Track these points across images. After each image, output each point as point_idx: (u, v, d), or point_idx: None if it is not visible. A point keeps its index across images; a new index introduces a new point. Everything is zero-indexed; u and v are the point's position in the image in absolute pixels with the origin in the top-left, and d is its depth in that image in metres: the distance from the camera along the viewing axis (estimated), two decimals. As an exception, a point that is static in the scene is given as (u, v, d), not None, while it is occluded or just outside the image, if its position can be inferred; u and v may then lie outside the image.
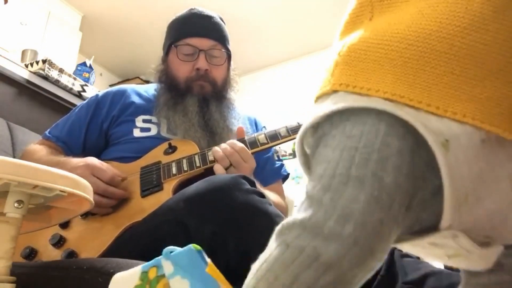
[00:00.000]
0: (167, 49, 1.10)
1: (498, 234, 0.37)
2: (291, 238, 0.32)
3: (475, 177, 0.33)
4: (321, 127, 0.37)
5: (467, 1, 0.34)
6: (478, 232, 0.36)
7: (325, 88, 0.38)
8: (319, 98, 0.39)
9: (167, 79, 1.08)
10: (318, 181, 0.34)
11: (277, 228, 0.34)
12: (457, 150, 0.32)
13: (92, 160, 0.88)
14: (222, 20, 1.14)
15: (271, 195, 1.04)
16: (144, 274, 0.32)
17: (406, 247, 0.40)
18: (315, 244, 0.31)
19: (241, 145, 0.92)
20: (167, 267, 0.31)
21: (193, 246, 0.32)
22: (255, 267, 0.33)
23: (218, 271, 0.31)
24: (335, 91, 0.37)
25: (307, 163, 0.41)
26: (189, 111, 1.01)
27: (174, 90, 1.05)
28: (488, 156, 0.33)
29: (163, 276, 0.31)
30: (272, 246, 0.33)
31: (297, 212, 0.34)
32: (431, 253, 0.40)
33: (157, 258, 0.33)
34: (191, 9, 1.12)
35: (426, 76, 0.33)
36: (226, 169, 0.88)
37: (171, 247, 0.33)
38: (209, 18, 1.09)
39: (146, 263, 0.33)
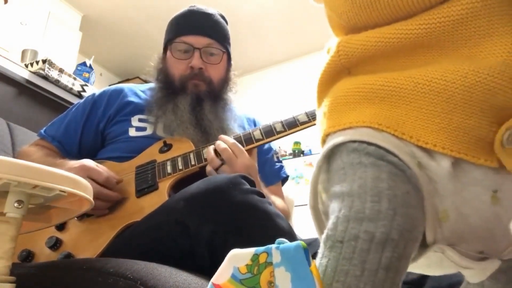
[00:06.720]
0: (164, 47, 1.09)
1: (489, 249, 0.40)
2: (341, 233, 0.34)
3: (452, 194, 0.37)
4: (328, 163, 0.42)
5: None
6: (469, 247, 0.39)
7: (322, 135, 0.44)
8: (322, 144, 0.44)
9: (163, 77, 1.06)
10: (342, 183, 0.37)
11: (323, 237, 0.36)
12: (429, 171, 0.37)
13: (88, 162, 0.87)
14: (224, 18, 1.11)
15: (276, 200, 1.03)
16: (255, 256, 0.34)
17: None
18: (365, 228, 0.33)
19: (233, 140, 0.90)
20: (276, 256, 0.33)
21: (301, 243, 0.33)
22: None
23: (319, 273, 0.33)
24: (327, 135, 0.43)
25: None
26: (179, 109, 0.99)
27: (169, 89, 1.03)
28: (461, 176, 0.37)
29: (270, 263, 0.33)
30: (325, 253, 0.35)
31: (332, 214, 0.36)
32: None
33: (268, 245, 0.34)
34: (191, 6, 1.09)
35: (400, 111, 0.38)
36: (217, 168, 0.87)
37: (281, 239, 0.35)
38: (207, 15, 1.06)
39: (259, 248, 0.35)
